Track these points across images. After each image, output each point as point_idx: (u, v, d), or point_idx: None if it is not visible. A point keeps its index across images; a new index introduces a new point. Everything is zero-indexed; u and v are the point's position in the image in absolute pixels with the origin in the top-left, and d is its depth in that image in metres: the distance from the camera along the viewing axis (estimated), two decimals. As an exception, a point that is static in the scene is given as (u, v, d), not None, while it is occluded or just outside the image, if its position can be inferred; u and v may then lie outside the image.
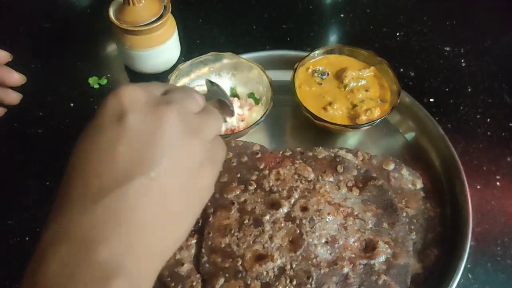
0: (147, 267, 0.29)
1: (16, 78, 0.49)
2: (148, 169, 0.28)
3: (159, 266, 0.31)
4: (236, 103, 0.60)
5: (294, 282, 0.49)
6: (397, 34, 0.78)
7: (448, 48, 0.76)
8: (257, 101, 0.62)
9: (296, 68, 0.61)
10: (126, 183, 0.28)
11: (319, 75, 0.63)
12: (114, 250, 0.27)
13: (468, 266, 0.53)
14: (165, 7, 0.64)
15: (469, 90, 0.70)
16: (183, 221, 0.32)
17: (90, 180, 0.28)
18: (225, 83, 0.63)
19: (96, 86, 0.69)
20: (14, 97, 0.51)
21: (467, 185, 0.55)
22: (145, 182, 0.28)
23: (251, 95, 0.62)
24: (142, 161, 0.28)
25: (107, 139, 0.29)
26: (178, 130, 0.30)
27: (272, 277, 0.49)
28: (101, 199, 0.27)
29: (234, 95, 0.63)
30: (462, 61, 0.74)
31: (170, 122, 0.30)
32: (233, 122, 0.59)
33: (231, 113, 0.46)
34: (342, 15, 0.81)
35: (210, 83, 0.48)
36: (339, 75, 0.63)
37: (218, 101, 0.44)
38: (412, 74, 0.72)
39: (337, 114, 0.59)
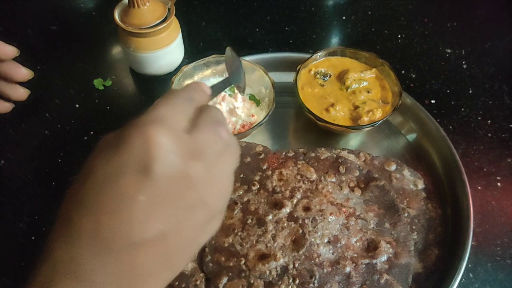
0: None
1: (24, 73, 0.49)
2: (162, 227, 0.28)
3: None
4: (239, 101, 0.61)
5: (297, 281, 0.49)
6: (399, 36, 0.79)
7: (449, 50, 0.76)
8: (257, 102, 0.63)
9: (298, 70, 0.62)
10: (139, 236, 0.27)
11: (321, 77, 0.64)
12: None
13: (469, 265, 0.54)
14: (169, 10, 0.65)
15: (470, 91, 0.71)
16: (180, 268, 0.33)
17: (102, 225, 0.27)
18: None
19: (101, 87, 0.70)
20: (21, 93, 0.51)
21: (468, 186, 0.56)
22: (157, 238, 0.28)
23: (251, 97, 0.63)
24: (158, 216, 0.28)
25: (127, 185, 0.27)
26: (199, 196, 0.30)
27: (275, 276, 0.50)
28: (111, 248, 0.27)
29: (233, 91, 0.64)
30: (463, 62, 0.75)
31: (195, 188, 0.29)
32: (242, 116, 0.60)
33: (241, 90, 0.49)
34: (344, 18, 0.82)
35: (232, 54, 0.50)
36: (341, 77, 0.63)
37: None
38: (413, 76, 0.72)
39: (339, 115, 0.60)
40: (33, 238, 0.55)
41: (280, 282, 0.49)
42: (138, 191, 0.27)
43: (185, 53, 0.72)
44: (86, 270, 0.27)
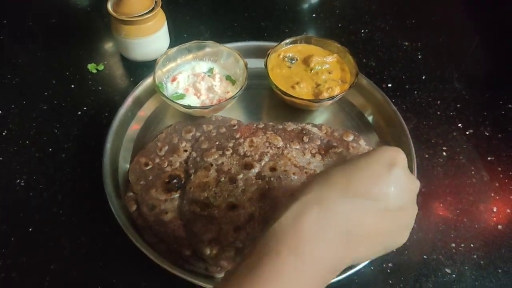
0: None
1: None
2: (401, 203, 0.38)
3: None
4: (217, 80, 0.70)
5: (261, 226, 0.57)
6: (362, 31, 0.88)
7: (406, 43, 0.86)
8: (233, 82, 0.71)
9: (269, 54, 0.71)
10: (384, 203, 0.36)
11: (289, 60, 0.72)
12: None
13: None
14: (156, 2, 0.74)
15: (423, 77, 0.80)
16: (389, 249, 0.40)
17: (353, 182, 0.36)
18: (206, 65, 0.73)
19: (94, 71, 0.78)
20: None
21: (414, 153, 0.64)
22: (396, 210, 0.37)
23: (228, 78, 0.72)
24: (398, 193, 0.38)
25: (380, 166, 0.37)
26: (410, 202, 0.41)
27: (243, 221, 0.57)
28: (355, 200, 0.36)
29: (212, 73, 0.72)
30: (419, 53, 0.84)
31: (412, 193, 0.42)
32: (219, 92, 0.68)
33: None
34: (314, 15, 0.92)
35: None
36: (306, 61, 0.72)
37: None
38: (373, 64, 0.81)
39: (303, 92, 0.68)
40: (31, 194, 0.62)
41: (246, 226, 0.57)
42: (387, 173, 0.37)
43: (170, 43, 0.81)
44: (330, 204, 0.35)
